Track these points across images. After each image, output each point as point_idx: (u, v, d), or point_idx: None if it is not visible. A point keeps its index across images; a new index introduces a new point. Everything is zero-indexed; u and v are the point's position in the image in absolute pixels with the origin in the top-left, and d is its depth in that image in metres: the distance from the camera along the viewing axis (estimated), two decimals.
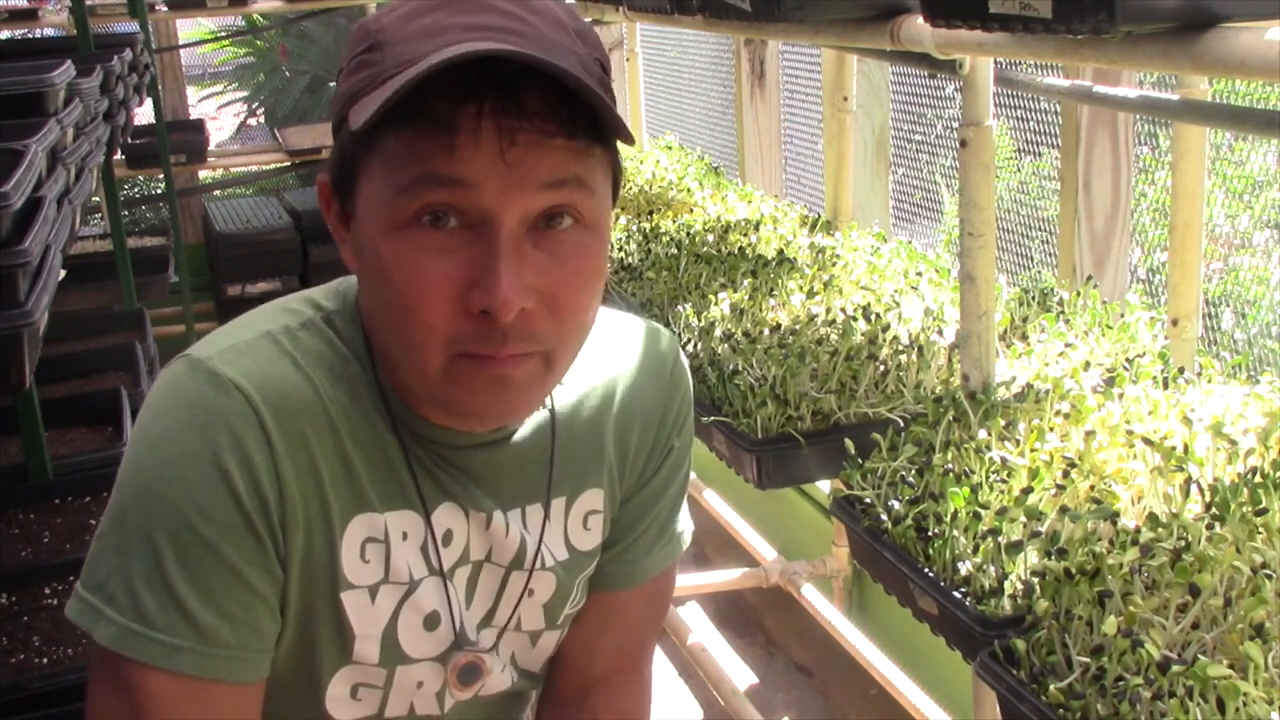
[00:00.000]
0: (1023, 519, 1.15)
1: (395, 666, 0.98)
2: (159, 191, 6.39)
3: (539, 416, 1.02)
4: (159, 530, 0.86)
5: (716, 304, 1.81)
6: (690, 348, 1.72)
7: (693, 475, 3.06)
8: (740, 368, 1.58)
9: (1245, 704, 0.85)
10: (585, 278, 0.89)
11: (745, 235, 2.16)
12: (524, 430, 1.01)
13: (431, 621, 0.99)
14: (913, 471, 1.29)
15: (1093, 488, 1.19)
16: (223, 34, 7.61)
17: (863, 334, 1.61)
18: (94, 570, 0.88)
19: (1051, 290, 1.76)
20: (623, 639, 1.12)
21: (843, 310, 1.72)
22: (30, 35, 5.36)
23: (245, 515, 0.88)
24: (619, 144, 0.91)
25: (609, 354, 1.05)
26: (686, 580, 2.70)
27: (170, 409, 0.89)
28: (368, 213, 0.88)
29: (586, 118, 0.85)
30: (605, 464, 1.05)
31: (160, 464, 0.87)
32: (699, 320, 1.77)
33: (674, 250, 2.08)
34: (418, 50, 0.83)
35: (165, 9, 5.04)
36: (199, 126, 5.61)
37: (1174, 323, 1.51)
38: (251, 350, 0.92)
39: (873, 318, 1.65)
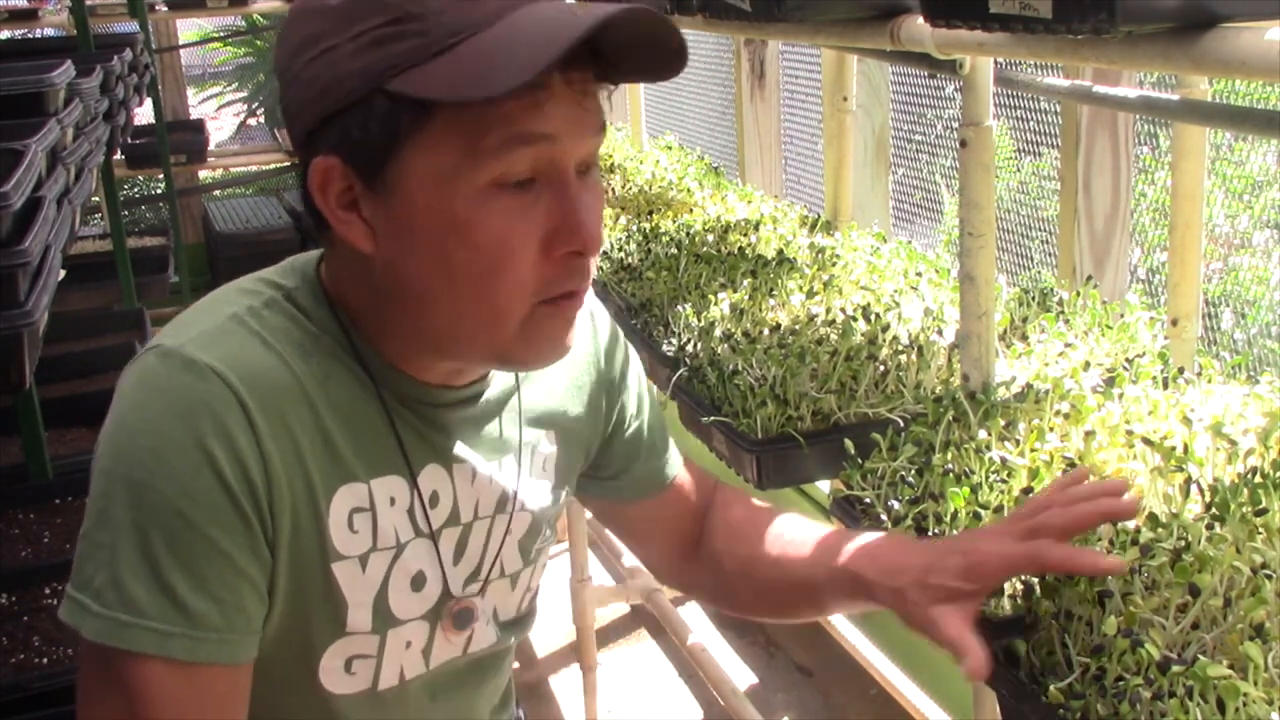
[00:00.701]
0: None
1: (386, 631, 1.00)
2: (159, 191, 6.39)
3: (504, 375, 1.07)
4: (147, 519, 0.86)
5: (716, 304, 1.81)
6: (690, 348, 1.72)
7: None
8: (740, 368, 1.58)
9: (1245, 704, 0.85)
10: (603, 212, 0.98)
11: (745, 235, 2.16)
12: (494, 389, 1.05)
13: (418, 582, 1.01)
14: (913, 471, 1.29)
15: None
16: (222, 34, 7.61)
17: (863, 334, 1.61)
18: (82, 568, 0.88)
19: (1051, 290, 1.76)
20: (698, 497, 1.26)
21: (843, 310, 1.72)
22: (30, 35, 5.36)
23: (233, 499, 0.88)
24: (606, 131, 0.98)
25: None
26: None
27: (148, 400, 0.89)
28: (427, 183, 0.88)
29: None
30: (563, 413, 1.12)
31: (144, 453, 0.87)
32: (699, 320, 1.77)
33: (674, 250, 2.08)
34: (473, 15, 0.86)
35: (165, 9, 5.05)
36: (199, 126, 5.62)
37: (1174, 323, 1.51)
38: (221, 335, 0.92)
39: (873, 318, 1.65)
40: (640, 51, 0.90)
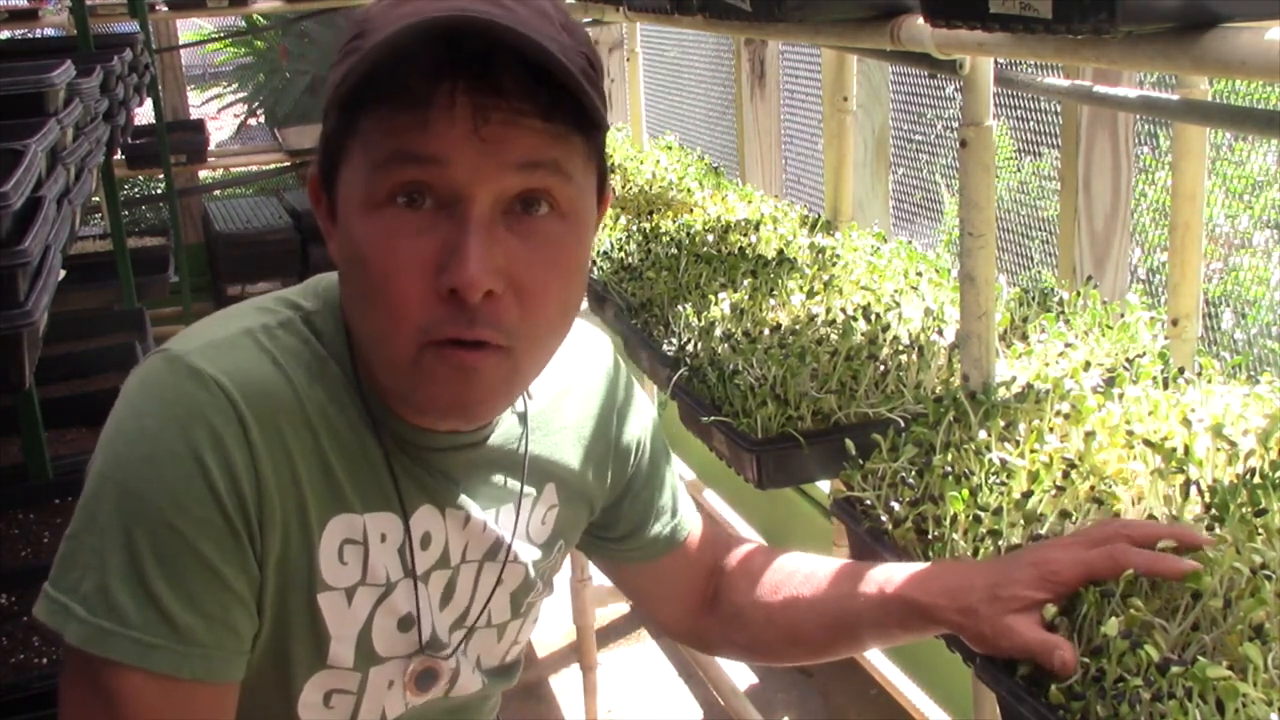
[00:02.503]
0: (1021, 523, 1.15)
1: (369, 669, 0.98)
2: (159, 191, 6.39)
3: (512, 423, 1.04)
4: (136, 528, 0.85)
5: (716, 304, 1.80)
6: (690, 348, 1.72)
7: (693, 475, 3.07)
8: (740, 368, 1.57)
9: (1244, 705, 0.85)
10: (558, 267, 0.89)
11: (745, 235, 2.16)
12: (498, 436, 1.03)
13: (406, 623, 0.99)
14: (913, 472, 1.29)
15: (1093, 488, 1.19)
16: (222, 34, 7.62)
17: (863, 334, 1.61)
18: (66, 570, 0.86)
19: (1051, 290, 1.76)
20: (711, 552, 1.24)
21: (843, 310, 1.72)
22: (30, 35, 5.36)
23: (224, 512, 0.87)
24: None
25: (567, 361, 1.08)
26: None
27: (148, 406, 0.88)
28: (347, 196, 0.89)
29: (567, 104, 0.85)
30: (568, 468, 1.09)
31: (138, 461, 0.86)
32: (699, 320, 1.77)
33: (674, 250, 2.08)
34: (394, 34, 0.84)
35: (165, 9, 5.05)
36: (199, 126, 5.61)
37: (1174, 323, 1.51)
38: (231, 347, 0.91)
39: (873, 318, 1.65)
40: (538, 84, 0.84)
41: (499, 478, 1.04)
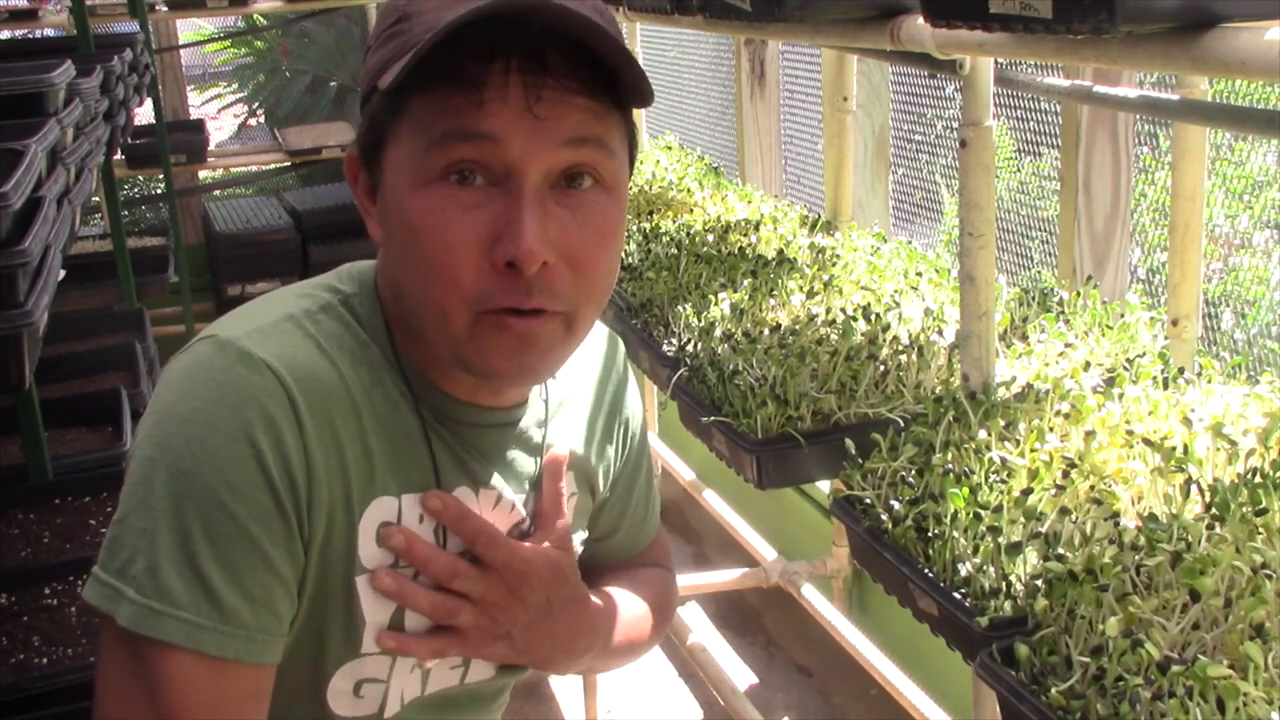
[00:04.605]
0: (1022, 520, 1.15)
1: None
2: (159, 191, 6.39)
3: (538, 406, 1.06)
4: (188, 508, 0.86)
5: (716, 304, 1.81)
6: (690, 348, 1.72)
7: (692, 475, 3.08)
8: (740, 368, 1.58)
9: (1245, 704, 0.85)
10: (605, 237, 0.93)
11: (745, 235, 2.16)
12: (527, 419, 1.05)
13: None
14: (913, 472, 1.29)
15: (1093, 488, 1.19)
16: (222, 34, 7.61)
17: (863, 334, 1.61)
18: (116, 552, 0.87)
19: (1051, 290, 1.76)
20: (649, 570, 1.24)
21: (843, 310, 1.72)
22: (30, 35, 5.36)
23: (275, 495, 0.88)
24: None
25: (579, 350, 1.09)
26: (686, 580, 2.70)
27: (200, 387, 0.88)
28: (395, 174, 0.91)
29: (605, 81, 0.89)
30: (582, 455, 1.11)
31: (190, 442, 0.87)
32: (699, 320, 1.77)
33: (674, 250, 2.08)
34: (444, 17, 0.86)
35: (165, 9, 5.04)
36: (199, 126, 5.60)
37: (1174, 323, 1.51)
38: (277, 332, 0.92)
39: (873, 318, 1.65)
40: (580, 63, 0.87)
41: (525, 461, 1.05)
